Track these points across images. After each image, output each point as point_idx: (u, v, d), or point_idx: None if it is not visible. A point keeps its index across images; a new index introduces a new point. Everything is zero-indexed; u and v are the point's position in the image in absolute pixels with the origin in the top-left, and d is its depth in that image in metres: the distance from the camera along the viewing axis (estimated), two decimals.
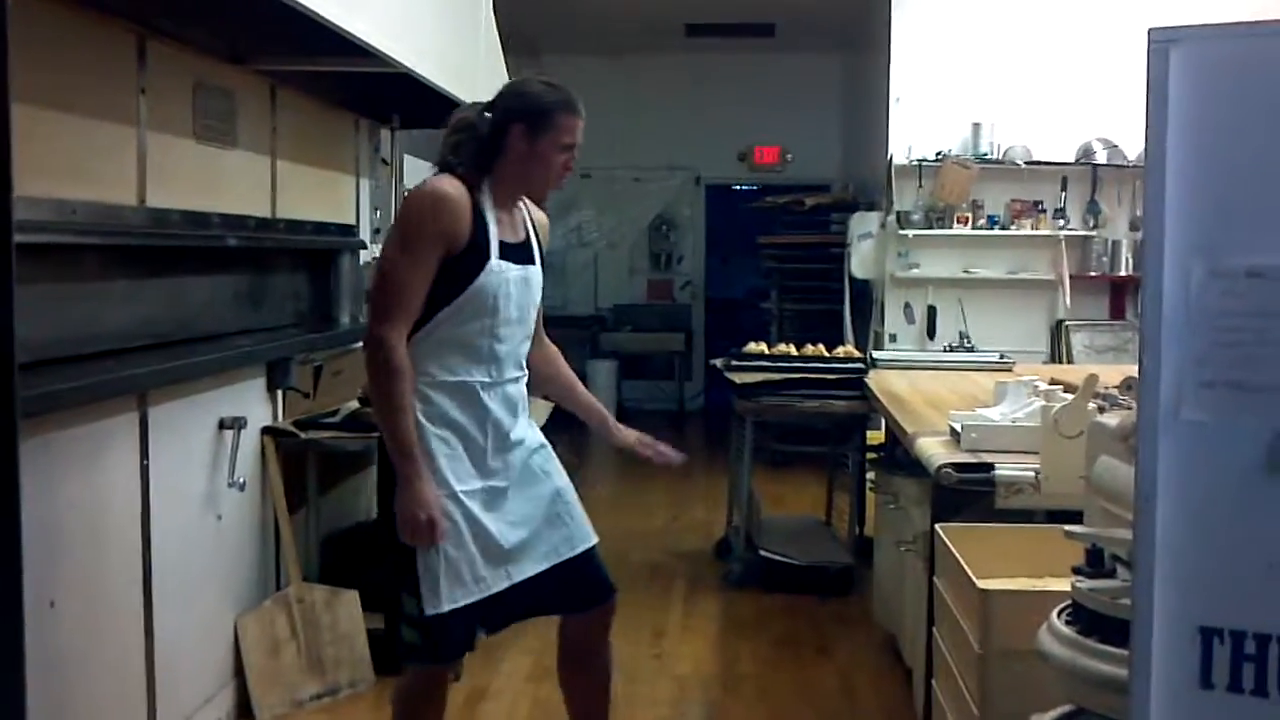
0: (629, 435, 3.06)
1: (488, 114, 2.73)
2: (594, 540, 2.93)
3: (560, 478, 2.92)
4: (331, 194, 4.75)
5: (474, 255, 2.68)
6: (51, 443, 2.63)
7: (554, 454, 2.96)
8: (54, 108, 2.74)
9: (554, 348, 3.10)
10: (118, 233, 3.00)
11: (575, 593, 2.92)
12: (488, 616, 2.79)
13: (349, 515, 4.81)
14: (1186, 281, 1.53)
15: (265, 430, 3.90)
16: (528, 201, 2.89)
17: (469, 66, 4.53)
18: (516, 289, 2.76)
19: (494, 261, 2.69)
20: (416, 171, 6.31)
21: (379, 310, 2.70)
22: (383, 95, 4.68)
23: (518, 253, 2.77)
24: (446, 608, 2.66)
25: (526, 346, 2.87)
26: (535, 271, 2.84)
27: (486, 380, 2.75)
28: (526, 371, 2.89)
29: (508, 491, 2.80)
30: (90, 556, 2.82)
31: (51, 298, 2.79)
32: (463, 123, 2.77)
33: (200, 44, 3.45)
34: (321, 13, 2.79)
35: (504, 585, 2.75)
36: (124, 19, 3.02)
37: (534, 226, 2.89)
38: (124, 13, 3.00)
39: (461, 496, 2.71)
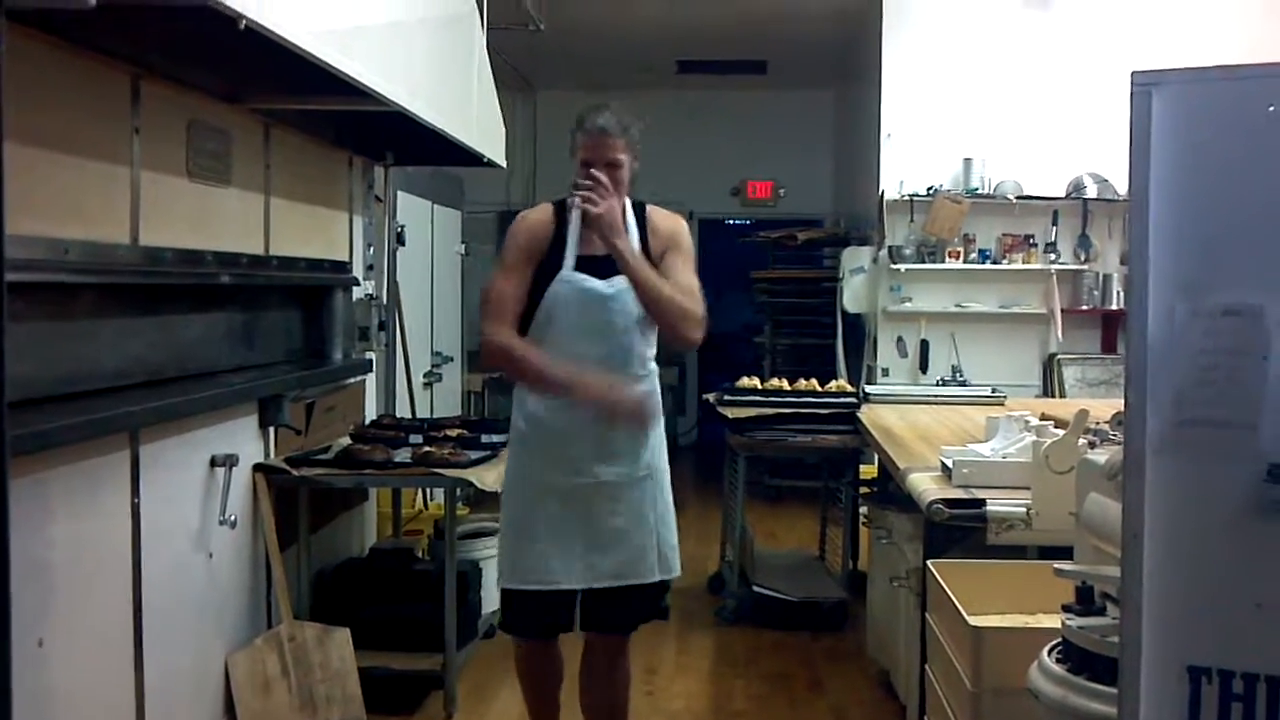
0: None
1: None
2: (668, 575, 3.08)
3: (661, 505, 3.08)
4: (325, 231, 4.76)
5: (552, 268, 2.96)
6: (42, 481, 2.62)
7: (667, 484, 3.12)
8: (48, 147, 2.74)
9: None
10: (111, 271, 3.00)
11: (619, 613, 3.07)
12: (561, 614, 3.01)
13: (341, 552, 4.79)
14: (1170, 320, 1.55)
15: (257, 467, 3.89)
16: (652, 214, 3.15)
17: (463, 104, 4.56)
18: (585, 298, 2.94)
19: (565, 273, 2.95)
20: (410, 208, 6.33)
21: (481, 316, 2.99)
22: (377, 133, 4.70)
23: (602, 266, 2.95)
24: (512, 586, 2.96)
25: (625, 355, 3.03)
26: (619, 281, 2.96)
27: None
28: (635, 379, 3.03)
29: (599, 496, 2.96)
30: (80, 595, 2.81)
31: (44, 336, 2.78)
32: None
33: (194, 83, 3.47)
34: (317, 54, 2.80)
35: (576, 586, 2.93)
36: (118, 59, 3.03)
37: (644, 238, 3.05)
38: (118, 53, 3.01)
39: (543, 492, 2.92)
